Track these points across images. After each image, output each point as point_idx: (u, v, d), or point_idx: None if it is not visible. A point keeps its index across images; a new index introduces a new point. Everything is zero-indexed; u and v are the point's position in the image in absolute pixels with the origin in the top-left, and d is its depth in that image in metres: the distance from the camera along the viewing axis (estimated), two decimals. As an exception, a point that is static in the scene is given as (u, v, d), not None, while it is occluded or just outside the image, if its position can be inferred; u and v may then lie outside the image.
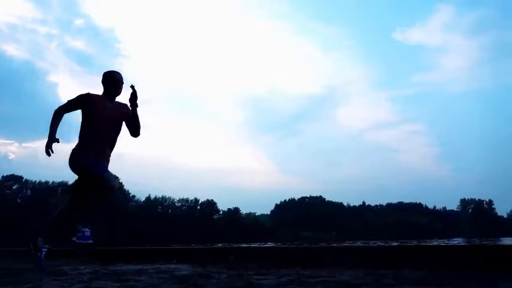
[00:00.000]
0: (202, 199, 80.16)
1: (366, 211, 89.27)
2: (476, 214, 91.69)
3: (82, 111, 2.99)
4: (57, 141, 2.85)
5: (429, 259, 2.28)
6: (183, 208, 78.10)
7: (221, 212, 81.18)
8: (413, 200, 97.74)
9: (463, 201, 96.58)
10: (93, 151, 2.88)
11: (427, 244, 3.44)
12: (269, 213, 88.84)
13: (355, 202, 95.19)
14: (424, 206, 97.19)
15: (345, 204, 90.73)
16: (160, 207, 75.98)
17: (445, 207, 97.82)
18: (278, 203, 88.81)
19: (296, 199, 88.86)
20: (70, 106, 2.99)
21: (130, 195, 70.86)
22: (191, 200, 79.30)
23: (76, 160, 2.84)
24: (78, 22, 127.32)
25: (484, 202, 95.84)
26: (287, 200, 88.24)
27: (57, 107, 2.98)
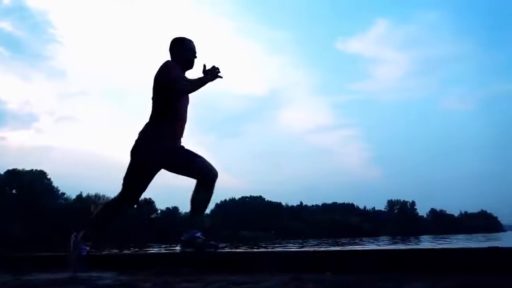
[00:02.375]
0: (139, 197, 77.27)
1: (303, 211, 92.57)
2: (400, 214, 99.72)
3: (165, 87, 2.41)
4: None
5: (353, 262, 2.40)
6: (118, 206, 74.56)
7: (158, 211, 78.85)
8: (346, 201, 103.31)
9: (390, 202, 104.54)
10: (175, 137, 2.50)
11: (352, 248, 3.64)
12: (209, 212, 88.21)
13: (293, 202, 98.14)
14: (355, 206, 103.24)
15: (283, 204, 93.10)
16: (92, 205, 71.63)
17: (374, 207, 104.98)
18: (219, 202, 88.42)
19: (237, 198, 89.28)
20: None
21: (59, 192, 65.72)
22: (127, 198, 76.10)
23: (160, 145, 2.38)
24: (6, 0, 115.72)
25: (408, 203, 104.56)
26: (227, 199, 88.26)
27: (179, 85, 2.39)
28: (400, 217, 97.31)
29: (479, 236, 45.22)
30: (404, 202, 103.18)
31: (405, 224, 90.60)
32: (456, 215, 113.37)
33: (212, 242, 2.33)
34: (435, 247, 2.31)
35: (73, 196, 68.55)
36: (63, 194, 67.38)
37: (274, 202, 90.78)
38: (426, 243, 17.27)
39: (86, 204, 70.94)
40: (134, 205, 2.65)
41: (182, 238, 2.21)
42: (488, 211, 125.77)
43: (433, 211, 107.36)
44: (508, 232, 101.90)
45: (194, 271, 2.58)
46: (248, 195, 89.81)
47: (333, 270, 2.34)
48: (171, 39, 2.56)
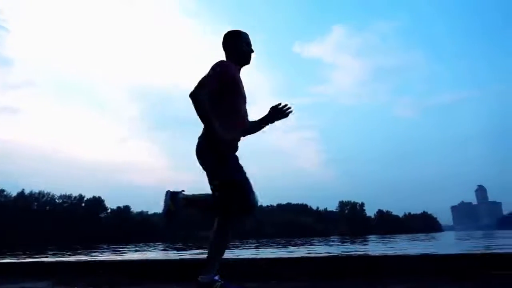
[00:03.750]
0: (88, 195, 73.63)
1: (258, 211, 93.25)
2: (350, 214, 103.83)
3: (224, 86, 2.16)
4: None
5: (301, 269, 2.43)
6: (64, 205, 70.45)
7: (109, 210, 75.71)
8: (300, 201, 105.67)
9: (341, 203, 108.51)
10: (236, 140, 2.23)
11: (302, 256, 3.69)
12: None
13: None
14: (309, 207, 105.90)
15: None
16: (36, 203, 67.21)
17: (326, 208, 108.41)
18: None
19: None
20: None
21: (-3, 189, 61.22)
22: (75, 196, 72.21)
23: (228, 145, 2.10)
24: None
25: (358, 204, 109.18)
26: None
27: (197, 94, 2.04)
28: (350, 217, 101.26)
29: (421, 235, 48.35)
30: (354, 203, 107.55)
31: (355, 224, 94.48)
32: (400, 216, 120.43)
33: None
34: (367, 253, 2.42)
35: (14, 194, 63.91)
36: (3, 191, 62.61)
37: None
38: (373, 243, 18.11)
39: (29, 202, 66.36)
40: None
41: (200, 279, 1.96)
42: (429, 212, 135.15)
43: (380, 212, 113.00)
44: (446, 232, 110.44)
45: (131, 280, 2.50)
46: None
47: (280, 277, 2.38)
48: (226, 33, 2.36)
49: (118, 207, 76.84)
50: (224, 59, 2.30)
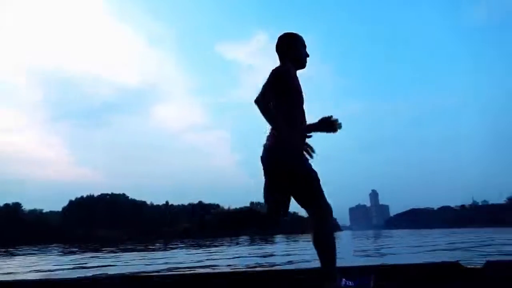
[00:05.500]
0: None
1: (168, 210, 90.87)
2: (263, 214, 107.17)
3: (283, 90, 2.05)
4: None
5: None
6: None
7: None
8: (212, 201, 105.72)
9: (252, 203, 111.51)
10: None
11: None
12: (60, 210, 78.40)
13: (159, 201, 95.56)
14: (220, 206, 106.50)
15: (148, 203, 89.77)
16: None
17: (236, 207, 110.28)
18: (73, 199, 79.73)
19: (96, 195, 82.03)
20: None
21: None
22: None
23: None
24: None
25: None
26: (84, 196, 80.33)
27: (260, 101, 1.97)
28: (262, 217, 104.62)
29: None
30: (264, 204, 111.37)
31: (264, 224, 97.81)
32: (305, 216, 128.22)
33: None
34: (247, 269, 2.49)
35: None
36: None
37: (138, 200, 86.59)
38: (278, 244, 19.11)
39: None
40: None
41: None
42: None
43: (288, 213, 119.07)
44: (344, 231, 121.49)
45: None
46: (110, 192, 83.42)
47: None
48: (282, 35, 2.25)
49: (6, 204, 67.96)
50: (280, 62, 2.23)
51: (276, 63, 2.23)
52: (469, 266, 2.32)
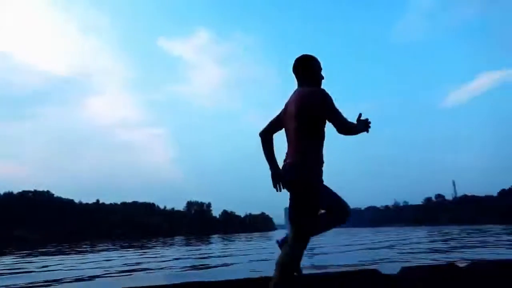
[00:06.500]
0: None
1: (99, 210, 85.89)
2: (197, 214, 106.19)
3: (320, 114, 2.15)
4: None
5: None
6: None
7: None
8: (147, 200, 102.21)
9: (189, 203, 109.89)
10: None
11: None
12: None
13: (89, 199, 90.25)
14: (156, 206, 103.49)
15: (76, 201, 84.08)
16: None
17: (173, 207, 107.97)
18: (-12, 196, 71.96)
19: (15, 193, 74.75)
20: None
21: None
22: None
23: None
24: None
25: (205, 205, 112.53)
26: (2, 194, 72.84)
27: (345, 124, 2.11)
28: (197, 217, 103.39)
29: (257, 234, 53.01)
30: (202, 203, 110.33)
31: (201, 224, 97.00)
32: (242, 216, 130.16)
33: None
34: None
35: None
36: None
37: (64, 198, 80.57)
38: (214, 244, 19.05)
39: None
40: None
41: None
42: (266, 213, 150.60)
43: (224, 212, 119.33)
44: (279, 230, 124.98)
45: None
46: (32, 190, 76.46)
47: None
48: (302, 58, 2.29)
49: None
50: (298, 83, 2.30)
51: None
52: (385, 273, 2.51)
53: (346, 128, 2.11)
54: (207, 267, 6.63)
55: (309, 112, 2.12)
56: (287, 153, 2.23)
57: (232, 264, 6.85)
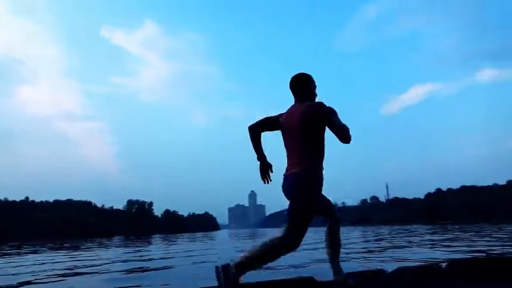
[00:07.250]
0: None
1: (29, 208, 79.48)
2: (138, 213, 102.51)
3: (322, 123, 2.34)
4: None
5: None
6: None
7: None
8: (83, 198, 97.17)
9: (129, 202, 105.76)
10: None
11: None
12: None
13: (16, 196, 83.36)
14: (93, 204, 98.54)
15: (2, 198, 77.26)
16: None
17: (112, 206, 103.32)
18: None
19: None
20: None
21: None
22: None
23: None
24: None
25: (146, 204, 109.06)
26: None
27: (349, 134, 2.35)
28: (137, 216, 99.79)
29: (200, 234, 52.49)
30: (143, 202, 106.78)
31: (142, 224, 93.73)
32: (185, 215, 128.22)
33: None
34: None
35: None
36: None
37: (-13, 195, 73.43)
38: (154, 245, 18.55)
39: None
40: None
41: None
42: (210, 213, 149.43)
43: (167, 211, 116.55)
44: (222, 230, 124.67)
45: None
46: None
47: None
48: (300, 76, 2.44)
49: None
50: (294, 98, 2.47)
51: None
52: (322, 280, 2.50)
53: (349, 139, 2.32)
54: (144, 270, 6.46)
55: (312, 123, 2.28)
56: (290, 163, 2.35)
57: (172, 267, 6.74)
